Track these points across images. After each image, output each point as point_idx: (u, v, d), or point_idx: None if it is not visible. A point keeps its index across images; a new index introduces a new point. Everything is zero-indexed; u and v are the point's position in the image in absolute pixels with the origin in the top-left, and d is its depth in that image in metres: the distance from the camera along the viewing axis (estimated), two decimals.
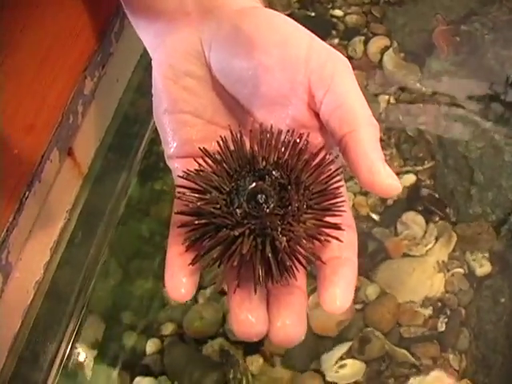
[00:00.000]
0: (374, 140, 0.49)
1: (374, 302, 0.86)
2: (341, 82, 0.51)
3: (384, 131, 0.96)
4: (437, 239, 0.90)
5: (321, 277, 0.49)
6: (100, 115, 0.80)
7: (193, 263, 0.49)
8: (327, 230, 0.48)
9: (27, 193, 0.66)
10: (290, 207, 0.48)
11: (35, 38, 0.69)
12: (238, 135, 0.51)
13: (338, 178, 0.50)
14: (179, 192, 0.50)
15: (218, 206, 0.48)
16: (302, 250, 0.47)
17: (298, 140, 0.50)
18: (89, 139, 0.79)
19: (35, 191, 0.67)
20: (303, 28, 0.53)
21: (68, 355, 0.81)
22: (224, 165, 0.50)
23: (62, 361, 0.80)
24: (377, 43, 1.05)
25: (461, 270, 0.88)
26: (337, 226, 0.48)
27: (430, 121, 0.97)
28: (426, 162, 0.94)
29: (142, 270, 0.90)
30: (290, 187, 0.48)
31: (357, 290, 0.86)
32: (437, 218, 0.91)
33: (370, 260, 0.89)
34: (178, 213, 0.50)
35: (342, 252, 0.49)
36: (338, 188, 0.49)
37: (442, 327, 0.84)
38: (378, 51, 1.04)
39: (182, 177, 0.50)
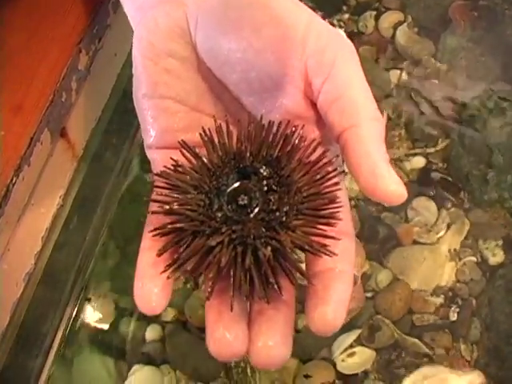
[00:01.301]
0: (377, 138, 0.41)
1: (385, 289, 0.80)
2: (343, 69, 0.43)
3: (393, 109, 0.88)
4: (449, 226, 0.83)
5: (310, 292, 0.41)
6: (96, 92, 0.73)
7: (166, 275, 0.42)
8: (320, 240, 0.41)
9: (15, 178, 0.59)
10: (277, 212, 0.40)
11: (23, 8, 0.62)
12: (224, 126, 0.44)
13: (335, 179, 0.42)
14: (154, 191, 0.44)
15: (195, 207, 0.41)
16: (289, 265, 0.40)
17: (291, 133, 0.43)
18: (84, 118, 0.71)
19: (24, 176, 0.60)
20: (302, 4, 0.45)
21: (64, 343, 0.76)
22: (205, 160, 0.43)
23: (58, 349, 0.76)
24: (389, 18, 0.96)
25: (473, 259, 0.81)
26: (330, 236, 0.41)
27: (444, 98, 0.89)
28: (439, 141, 0.87)
29: None
30: (278, 188, 0.41)
31: (368, 276, 0.81)
32: (449, 205, 0.84)
33: (382, 246, 0.83)
34: (152, 213, 0.43)
35: (336, 263, 0.42)
36: (334, 191, 0.42)
37: (453, 317, 0.78)
38: (390, 26, 0.95)
39: (157, 174, 0.43)
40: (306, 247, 0.40)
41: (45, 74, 0.63)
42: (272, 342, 0.41)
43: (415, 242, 0.83)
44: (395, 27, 0.96)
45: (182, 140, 0.45)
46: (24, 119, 0.60)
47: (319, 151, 0.43)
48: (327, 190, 0.42)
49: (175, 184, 0.42)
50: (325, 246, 0.41)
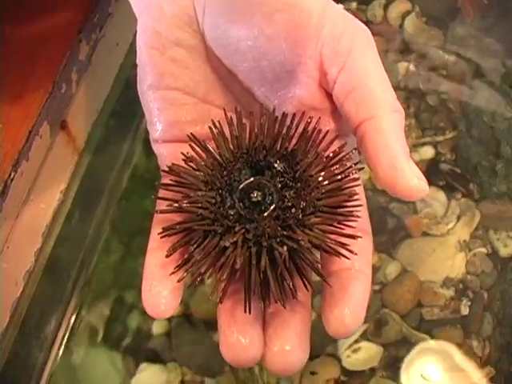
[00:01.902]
0: (397, 130, 0.38)
1: (393, 281, 0.76)
2: (360, 58, 0.40)
3: (403, 100, 0.84)
4: (459, 218, 0.79)
5: (327, 292, 0.38)
6: (98, 83, 0.69)
7: (176, 276, 0.39)
8: (338, 238, 0.37)
9: (13, 174, 0.56)
10: (293, 209, 0.37)
11: None
12: (235, 118, 0.40)
13: (354, 175, 0.39)
14: (162, 188, 0.40)
15: (207, 205, 0.38)
16: (306, 265, 0.37)
17: (306, 126, 0.39)
18: (85, 110, 0.68)
19: (22, 171, 0.57)
20: None
21: (68, 339, 0.73)
22: (216, 154, 0.39)
23: (61, 345, 0.72)
24: (398, 7, 0.92)
25: (484, 250, 0.77)
26: (350, 235, 0.37)
27: (452, 89, 0.85)
28: (447, 132, 0.83)
29: (145, 247, 0.80)
30: (293, 184, 0.38)
31: (377, 269, 0.77)
32: (459, 195, 0.80)
33: (391, 237, 0.79)
34: (160, 212, 0.40)
35: (353, 262, 0.39)
36: (353, 187, 0.38)
37: (465, 311, 0.74)
38: (398, 15, 0.92)
39: (165, 171, 0.40)
40: (324, 247, 0.37)
41: (44, 65, 0.60)
42: (289, 346, 0.39)
43: (424, 234, 0.79)
44: (403, 17, 0.92)
45: (192, 133, 0.42)
46: (22, 112, 0.58)
47: (336, 144, 0.39)
48: (346, 185, 0.38)
49: (185, 180, 0.39)
50: (344, 245, 0.37)
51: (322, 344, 0.74)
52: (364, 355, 0.73)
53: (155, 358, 0.75)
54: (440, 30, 0.90)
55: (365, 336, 0.74)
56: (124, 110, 0.75)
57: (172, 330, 0.77)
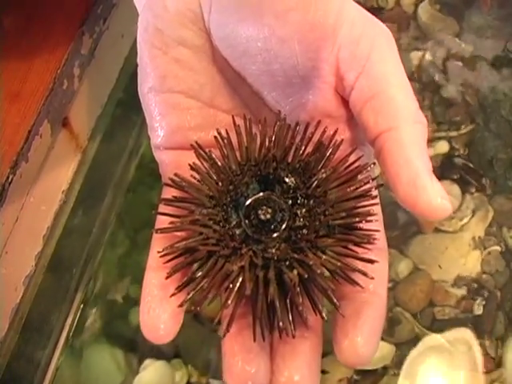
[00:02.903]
0: (420, 143, 0.34)
1: (405, 279, 0.72)
2: (380, 62, 0.35)
3: (416, 92, 0.78)
4: (473, 213, 0.75)
5: (339, 317, 0.34)
6: (102, 77, 0.65)
7: (178, 300, 0.35)
8: (353, 262, 0.33)
9: (11, 177, 0.52)
10: (304, 229, 0.33)
11: None
12: (243, 126, 0.36)
13: (373, 192, 0.35)
14: (162, 202, 0.36)
15: (210, 223, 0.33)
16: (318, 291, 0.33)
17: (322, 136, 0.35)
18: (88, 106, 0.63)
19: (21, 173, 0.53)
20: None
21: (72, 334, 0.70)
22: (222, 166, 0.35)
23: (66, 341, 0.69)
24: None
25: (498, 248, 0.73)
26: (368, 259, 0.34)
27: (469, 81, 0.80)
28: (463, 126, 0.78)
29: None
30: (307, 201, 0.34)
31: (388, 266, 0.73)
32: (473, 190, 0.76)
33: (402, 233, 0.74)
34: (159, 231, 0.36)
35: (368, 284, 0.35)
36: (371, 206, 0.34)
37: (478, 310, 0.70)
38: (411, 2, 0.86)
39: (167, 184, 0.36)
40: (339, 272, 0.33)
41: (44, 60, 0.56)
42: (298, 377, 0.35)
43: (437, 230, 0.75)
44: (416, 3, 0.87)
45: (196, 142, 0.38)
46: (21, 110, 0.54)
47: (353, 158, 0.35)
48: (363, 204, 0.34)
49: (187, 195, 0.35)
50: (359, 271, 0.33)
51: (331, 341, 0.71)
52: (376, 354, 0.69)
53: (159, 355, 0.72)
54: (455, 18, 0.85)
55: None
56: (130, 100, 0.70)
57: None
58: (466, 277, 0.72)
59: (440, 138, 0.78)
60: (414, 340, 0.70)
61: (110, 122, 0.68)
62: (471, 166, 0.77)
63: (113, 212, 0.73)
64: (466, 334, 0.69)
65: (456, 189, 0.76)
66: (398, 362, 0.69)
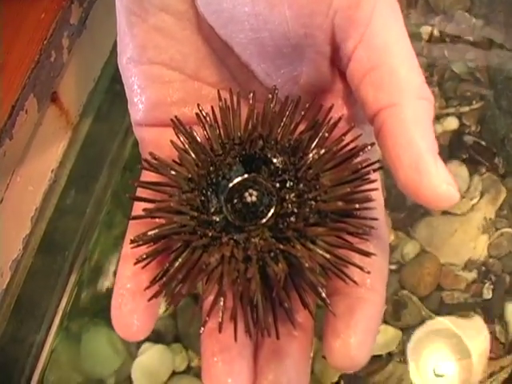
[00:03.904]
0: (424, 121, 0.30)
1: (412, 262, 0.68)
2: (381, 30, 0.31)
3: (425, 67, 0.75)
4: (482, 194, 0.70)
5: (330, 316, 0.30)
6: (94, 50, 0.60)
7: (152, 292, 0.30)
8: (347, 253, 0.29)
9: None
10: (293, 217, 0.29)
11: None
12: (230, 100, 0.32)
13: (371, 176, 0.30)
14: (139, 186, 0.32)
15: (186, 209, 0.29)
16: (307, 287, 0.28)
17: (315, 113, 0.31)
18: (79, 80, 0.59)
19: (5, 151, 0.49)
20: None
21: (68, 317, 0.66)
22: (204, 145, 0.31)
23: (60, 323, 0.66)
24: None
25: (509, 230, 0.68)
26: (364, 251, 0.29)
27: (480, 56, 0.75)
28: (473, 102, 0.74)
29: None
30: (296, 185, 0.29)
31: (394, 247, 0.68)
32: (483, 170, 0.71)
33: (409, 215, 0.70)
34: (133, 218, 0.31)
35: (364, 278, 0.30)
36: (369, 191, 0.30)
37: (487, 295, 0.66)
38: None
39: (144, 167, 0.32)
40: (331, 267, 0.28)
41: (30, 29, 0.51)
42: (284, 381, 0.30)
43: (445, 212, 0.70)
44: None
45: (176, 117, 0.33)
46: (4, 83, 0.49)
47: (350, 137, 0.30)
48: (360, 189, 0.29)
49: (163, 177, 0.30)
50: (357, 266, 0.28)
51: None
52: (381, 339, 0.66)
53: (158, 338, 0.68)
54: None
55: (383, 318, 0.66)
56: None
57: (177, 311, 0.69)
58: (475, 260, 0.68)
59: (449, 115, 0.74)
60: (421, 325, 0.66)
61: (104, 97, 0.63)
62: (483, 144, 0.72)
63: (108, 191, 0.69)
64: (474, 318, 0.66)
65: (464, 170, 0.71)
66: (404, 348, 0.65)
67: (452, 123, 0.73)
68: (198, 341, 0.66)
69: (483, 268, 0.68)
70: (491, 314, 0.66)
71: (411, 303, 0.67)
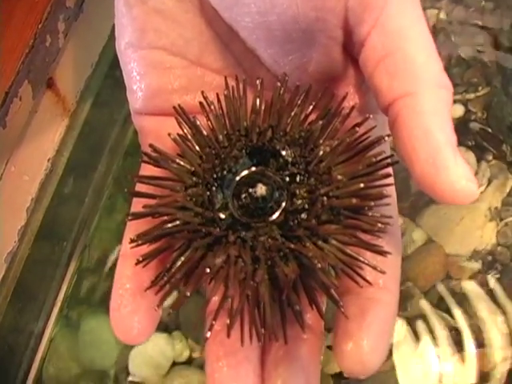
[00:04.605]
0: (443, 112, 0.27)
1: (418, 252, 0.66)
2: (397, 15, 0.28)
3: None
4: (489, 182, 0.68)
5: (341, 317, 0.28)
6: (91, 34, 0.58)
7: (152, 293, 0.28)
8: (360, 252, 0.27)
9: None
10: (304, 213, 0.26)
11: None
12: (236, 88, 0.29)
13: (386, 170, 0.28)
14: (139, 181, 0.29)
15: (190, 205, 0.27)
16: (318, 287, 0.26)
17: (327, 103, 0.28)
18: (76, 66, 0.56)
19: None
20: None
21: (67, 305, 0.65)
22: (208, 136, 0.29)
23: (60, 310, 0.64)
24: None
25: None
26: (379, 250, 0.27)
27: (488, 41, 0.73)
28: (480, 88, 0.71)
29: None
30: (307, 179, 0.27)
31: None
32: (490, 157, 0.69)
33: (414, 202, 0.68)
34: (133, 215, 0.29)
35: (377, 278, 0.28)
36: (383, 187, 0.27)
37: (493, 285, 0.64)
38: None
39: (144, 161, 0.29)
40: (344, 268, 0.26)
41: (23, 14, 0.49)
42: None
43: None
44: None
45: (179, 105, 0.31)
46: None
47: (364, 129, 0.28)
48: (374, 184, 0.27)
49: (166, 171, 0.28)
50: (371, 266, 0.26)
51: None
52: None
53: (159, 326, 0.66)
54: None
55: None
56: None
57: None
58: (482, 250, 0.66)
59: (455, 101, 0.71)
60: (424, 316, 0.64)
61: (103, 83, 0.61)
62: (490, 131, 0.70)
63: (109, 177, 0.66)
64: (480, 307, 0.64)
65: (472, 157, 0.69)
66: (410, 339, 0.63)
67: (458, 110, 0.71)
68: (198, 330, 0.64)
69: (489, 257, 0.66)
70: (497, 304, 0.63)
71: (417, 294, 0.65)
